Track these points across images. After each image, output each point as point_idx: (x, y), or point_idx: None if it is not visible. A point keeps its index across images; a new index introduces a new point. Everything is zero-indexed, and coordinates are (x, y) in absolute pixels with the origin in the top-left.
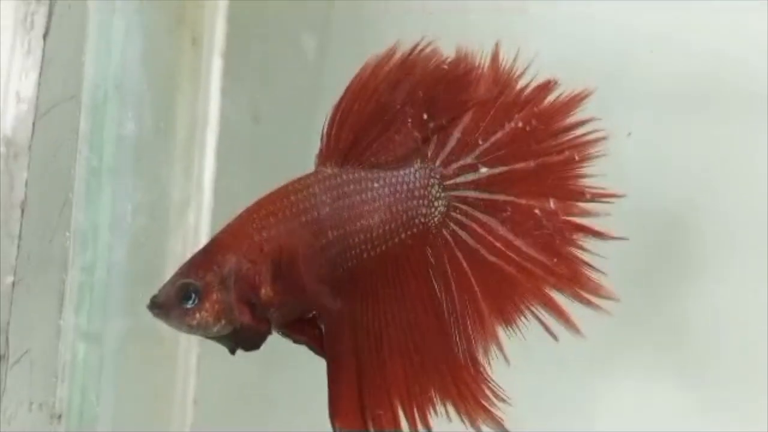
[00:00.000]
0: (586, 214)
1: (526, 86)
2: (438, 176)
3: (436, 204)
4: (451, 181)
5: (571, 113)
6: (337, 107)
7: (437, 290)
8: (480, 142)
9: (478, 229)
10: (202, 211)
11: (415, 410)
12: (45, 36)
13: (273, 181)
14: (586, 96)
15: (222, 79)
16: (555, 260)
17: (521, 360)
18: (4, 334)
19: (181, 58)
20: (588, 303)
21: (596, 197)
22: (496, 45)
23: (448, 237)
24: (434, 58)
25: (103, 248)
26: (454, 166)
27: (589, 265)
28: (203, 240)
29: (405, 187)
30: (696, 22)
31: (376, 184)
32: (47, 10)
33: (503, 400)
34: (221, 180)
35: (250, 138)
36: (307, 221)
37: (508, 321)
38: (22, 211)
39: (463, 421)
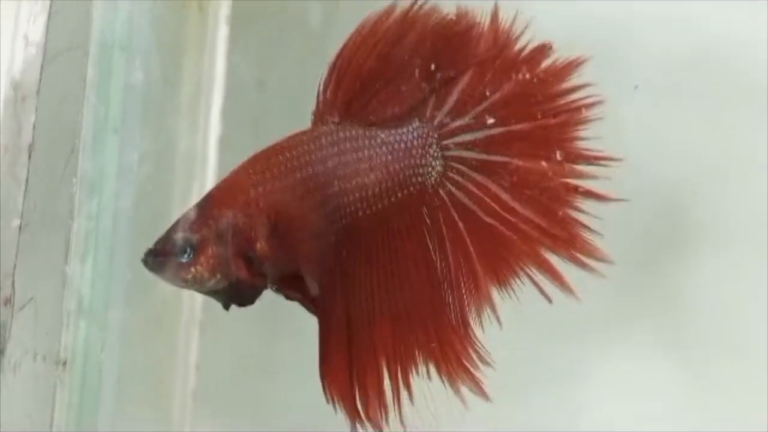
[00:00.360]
0: (583, 176)
1: (524, 48)
2: (436, 135)
3: (433, 164)
4: (449, 141)
5: (568, 78)
6: (334, 63)
7: (432, 250)
8: (478, 103)
9: (475, 190)
10: (208, 163)
11: (399, 370)
12: None
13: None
14: (583, 62)
15: (227, 46)
16: (551, 222)
17: (513, 325)
18: (11, 278)
19: (188, 24)
20: (583, 265)
21: (593, 159)
22: (496, 5)
23: (445, 197)
24: (434, 15)
25: (110, 196)
26: (452, 125)
27: (586, 227)
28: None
29: (403, 145)
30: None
31: (373, 142)
32: None
33: (487, 363)
34: (226, 137)
35: (255, 103)
36: (302, 177)
37: (502, 282)
38: (30, 156)
39: (442, 381)
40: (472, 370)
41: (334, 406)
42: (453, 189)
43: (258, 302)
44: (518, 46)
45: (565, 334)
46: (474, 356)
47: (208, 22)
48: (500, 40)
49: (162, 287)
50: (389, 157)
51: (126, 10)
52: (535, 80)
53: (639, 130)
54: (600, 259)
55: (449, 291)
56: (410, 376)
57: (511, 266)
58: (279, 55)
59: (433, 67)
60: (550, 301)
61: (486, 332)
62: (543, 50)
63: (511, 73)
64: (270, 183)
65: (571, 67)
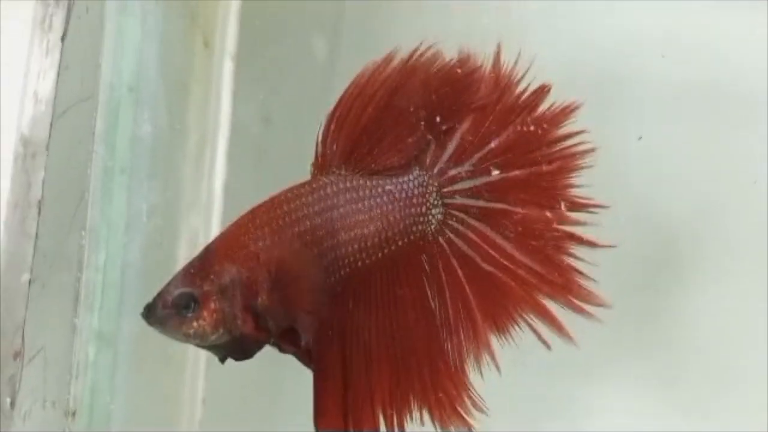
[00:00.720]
0: (577, 223)
1: (524, 90)
2: (436, 183)
3: (433, 212)
4: (449, 189)
5: (563, 123)
6: (332, 114)
7: (431, 298)
8: (478, 149)
9: (474, 237)
10: (213, 212)
11: (394, 416)
12: (63, 37)
13: (282, 183)
14: (577, 108)
15: (233, 82)
16: (548, 269)
17: (511, 368)
18: (20, 331)
19: (193, 60)
20: (580, 311)
21: (584, 207)
22: (498, 46)
23: (444, 245)
24: (436, 62)
25: (118, 248)
26: (452, 173)
27: (581, 273)
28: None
29: (403, 195)
30: (705, 25)
31: (373, 192)
32: (65, 12)
33: (481, 410)
34: (232, 181)
35: (261, 140)
36: (300, 232)
37: (501, 329)
38: (39, 210)
39: (434, 426)
40: (464, 416)
41: None
42: (452, 236)
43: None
44: (519, 89)
45: (563, 374)
46: (468, 402)
47: (214, 57)
48: (501, 83)
49: None
50: (389, 207)
51: (134, 54)
52: (532, 126)
53: (640, 159)
54: (597, 304)
55: (448, 338)
56: (405, 422)
57: (510, 313)
58: (285, 90)
59: (438, 118)
60: (549, 347)
61: (484, 375)
62: (541, 93)
63: (510, 118)
64: (270, 237)
65: (566, 112)
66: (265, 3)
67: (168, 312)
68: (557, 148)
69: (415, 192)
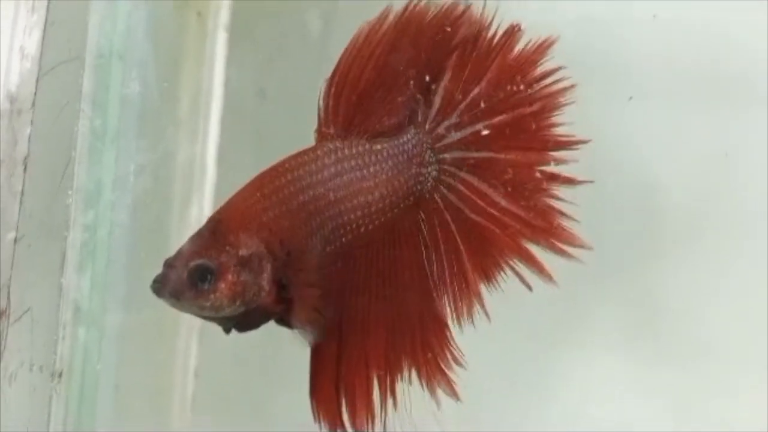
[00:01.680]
0: (558, 162)
1: (495, 34)
2: (429, 140)
3: (429, 169)
4: (440, 144)
5: (540, 62)
6: (332, 78)
7: (425, 257)
8: (460, 101)
9: (464, 190)
10: (205, 177)
11: (387, 379)
12: None
13: (276, 152)
14: (552, 43)
15: (227, 54)
16: (531, 212)
17: (492, 328)
18: (6, 290)
19: (186, 31)
20: (562, 253)
21: (565, 145)
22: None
23: (439, 201)
24: (428, 12)
25: (106, 208)
26: (441, 128)
27: (564, 215)
28: (206, 203)
29: (404, 156)
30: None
31: (376, 158)
32: None
33: (461, 365)
34: (225, 149)
35: (255, 112)
36: (305, 200)
37: (489, 277)
38: (25, 168)
39: (421, 384)
40: (447, 372)
41: (320, 424)
42: (446, 192)
43: None
44: (490, 32)
45: (542, 337)
46: (450, 358)
47: (207, 30)
48: (473, 29)
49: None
50: (393, 172)
51: (123, 19)
52: (508, 70)
53: (630, 135)
54: (578, 245)
55: (442, 294)
56: (396, 383)
57: (496, 260)
58: (279, 62)
59: (428, 78)
60: (530, 288)
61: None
62: (512, 33)
63: (486, 64)
64: (278, 207)
65: (541, 49)
66: None
67: (183, 284)
68: (537, 89)
69: (414, 152)
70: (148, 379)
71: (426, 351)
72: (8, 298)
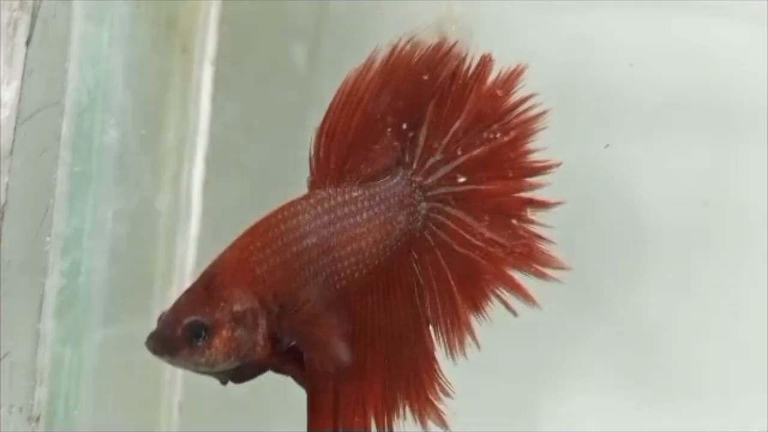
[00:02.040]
0: (533, 187)
1: (470, 66)
2: (418, 179)
3: (419, 208)
4: (427, 181)
5: (512, 90)
6: (322, 127)
7: (419, 293)
8: (443, 135)
9: (451, 224)
10: (191, 220)
11: (385, 418)
12: (28, 42)
13: (263, 191)
14: (522, 71)
15: (212, 88)
16: (512, 240)
17: (476, 361)
18: None
19: (171, 66)
20: (543, 276)
21: (536, 171)
22: (444, 35)
23: (429, 238)
24: (415, 53)
25: (84, 254)
26: (428, 165)
27: (542, 238)
28: (190, 250)
29: (395, 199)
30: (676, 35)
31: (368, 203)
32: (30, 17)
33: (449, 395)
34: (210, 189)
35: (241, 148)
36: (299, 251)
37: (477, 308)
38: (3, 215)
39: (415, 419)
40: (436, 403)
41: None
42: (435, 228)
43: None
44: (465, 65)
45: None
46: (438, 390)
47: (193, 64)
48: (450, 65)
49: (140, 342)
50: (385, 215)
51: (104, 56)
52: (484, 98)
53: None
54: (558, 267)
55: (434, 328)
56: (393, 420)
57: (484, 290)
58: (265, 96)
59: (405, 126)
60: (515, 314)
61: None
62: (485, 63)
63: (464, 96)
64: (272, 259)
65: (513, 77)
66: (245, 8)
67: (177, 341)
68: (512, 117)
69: (404, 193)
70: (130, 415)
71: (418, 386)
72: None
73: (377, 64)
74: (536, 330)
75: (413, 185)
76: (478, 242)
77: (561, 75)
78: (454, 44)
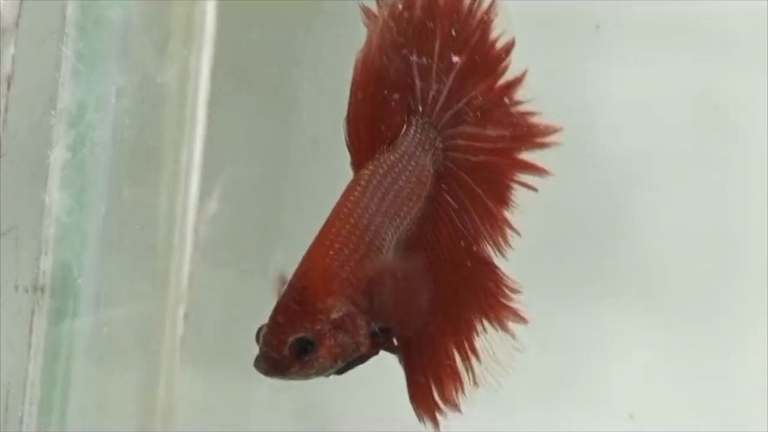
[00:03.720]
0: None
1: None
2: (428, 120)
3: (437, 144)
4: (435, 117)
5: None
6: (348, 115)
7: (458, 218)
8: (431, 67)
9: (462, 141)
10: (199, 95)
11: (465, 343)
12: None
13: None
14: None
15: None
16: (513, 128)
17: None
18: None
19: None
20: (546, 145)
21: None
22: None
23: (451, 165)
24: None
25: (88, 128)
26: (429, 101)
27: (531, 113)
28: (198, 123)
29: (420, 148)
30: None
31: (402, 165)
32: None
33: (518, 291)
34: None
35: (247, 50)
36: (371, 240)
37: (506, 202)
38: (9, 85)
39: (495, 328)
40: (510, 304)
41: (424, 424)
42: (452, 153)
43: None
44: None
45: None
46: (507, 291)
47: None
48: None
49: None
50: (418, 167)
51: None
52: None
53: None
54: (552, 131)
55: (480, 239)
56: (474, 341)
57: (506, 183)
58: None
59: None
60: (536, 190)
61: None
62: None
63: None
64: (352, 258)
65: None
66: None
67: (286, 361)
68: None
69: (423, 138)
70: (133, 290)
71: (488, 297)
72: None
73: (374, 38)
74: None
75: (426, 127)
76: (487, 144)
77: None
78: None
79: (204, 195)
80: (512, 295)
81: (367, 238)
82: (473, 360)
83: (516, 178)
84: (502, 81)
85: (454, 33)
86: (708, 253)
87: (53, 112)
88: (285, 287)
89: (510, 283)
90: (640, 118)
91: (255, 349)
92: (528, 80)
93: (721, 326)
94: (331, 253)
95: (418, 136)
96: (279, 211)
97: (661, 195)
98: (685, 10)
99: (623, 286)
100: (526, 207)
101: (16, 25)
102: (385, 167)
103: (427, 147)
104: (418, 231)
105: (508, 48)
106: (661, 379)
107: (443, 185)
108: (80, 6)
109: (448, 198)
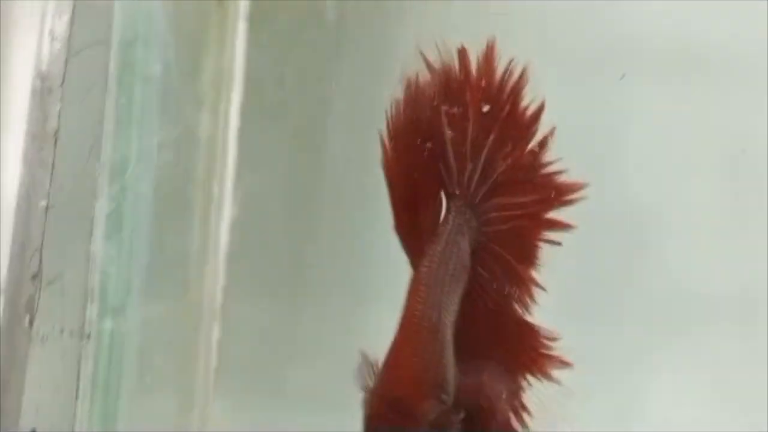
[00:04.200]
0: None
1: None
2: (464, 202)
3: (472, 225)
4: (470, 197)
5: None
6: (395, 224)
7: (497, 289)
8: (463, 144)
9: (494, 215)
10: (228, 152)
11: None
12: None
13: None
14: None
15: (247, 42)
16: (539, 190)
17: None
18: (39, 254)
19: (208, 17)
20: (571, 202)
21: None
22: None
23: (483, 239)
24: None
25: (131, 180)
26: (465, 182)
27: (556, 174)
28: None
29: (461, 232)
30: None
31: (448, 254)
32: None
33: (556, 338)
34: (245, 131)
35: (274, 98)
36: (442, 336)
37: (532, 262)
38: (55, 141)
39: (539, 380)
40: (550, 353)
41: None
42: (485, 228)
43: (281, 278)
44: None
45: None
46: (546, 342)
47: (228, 17)
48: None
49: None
50: (460, 253)
51: (147, 6)
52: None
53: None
54: (578, 189)
55: (511, 304)
56: (522, 398)
57: (532, 244)
58: (298, 51)
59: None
60: (560, 244)
61: None
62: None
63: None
64: (433, 357)
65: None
66: None
67: None
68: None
69: (461, 221)
70: (172, 344)
71: (529, 353)
72: (40, 263)
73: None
74: None
75: (463, 209)
76: (516, 211)
77: None
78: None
79: (233, 232)
80: (551, 344)
81: (439, 336)
82: (525, 416)
83: (542, 237)
84: (531, 145)
85: (485, 108)
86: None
87: (97, 165)
88: (375, 382)
89: (546, 333)
90: (667, 165)
91: (287, 376)
92: (554, 139)
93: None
94: (415, 358)
95: (457, 220)
96: (307, 244)
97: (689, 241)
98: (712, 54)
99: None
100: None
101: (62, 84)
102: (437, 260)
103: (465, 230)
104: (466, 312)
105: (538, 114)
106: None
107: (476, 258)
108: (122, 65)
109: (481, 270)
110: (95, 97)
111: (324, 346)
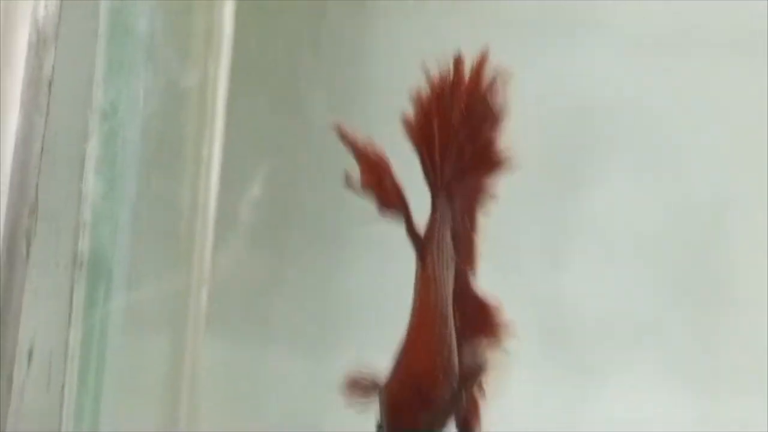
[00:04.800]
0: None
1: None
2: (444, 195)
3: (449, 212)
4: (447, 188)
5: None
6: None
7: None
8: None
9: (459, 195)
10: (216, 104)
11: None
12: None
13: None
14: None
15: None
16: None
17: None
18: (34, 191)
19: None
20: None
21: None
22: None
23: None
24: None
25: (119, 125)
26: (441, 174)
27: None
28: (217, 121)
29: (445, 228)
30: None
31: (444, 251)
32: None
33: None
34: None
35: (263, 59)
36: (449, 326)
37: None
38: (50, 90)
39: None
40: (502, 322)
41: None
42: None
43: (268, 223)
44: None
45: None
46: (496, 311)
47: None
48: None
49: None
50: (449, 244)
51: None
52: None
53: None
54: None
55: (468, 277)
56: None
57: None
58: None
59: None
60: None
61: None
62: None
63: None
64: (442, 341)
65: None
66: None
67: None
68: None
69: (444, 217)
70: (161, 265)
71: (489, 326)
72: (36, 198)
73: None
74: None
75: (443, 201)
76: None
77: None
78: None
79: (223, 186)
80: (501, 313)
81: (449, 323)
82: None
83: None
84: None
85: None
86: None
87: (89, 111)
88: (392, 371)
89: (494, 301)
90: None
91: (276, 321)
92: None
93: None
94: (432, 345)
95: (440, 217)
96: (292, 198)
97: None
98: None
99: None
100: None
101: (56, 37)
102: (436, 257)
103: (447, 220)
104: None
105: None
106: None
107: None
108: (110, 24)
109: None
110: (85, 52)
111: (308, 289)
